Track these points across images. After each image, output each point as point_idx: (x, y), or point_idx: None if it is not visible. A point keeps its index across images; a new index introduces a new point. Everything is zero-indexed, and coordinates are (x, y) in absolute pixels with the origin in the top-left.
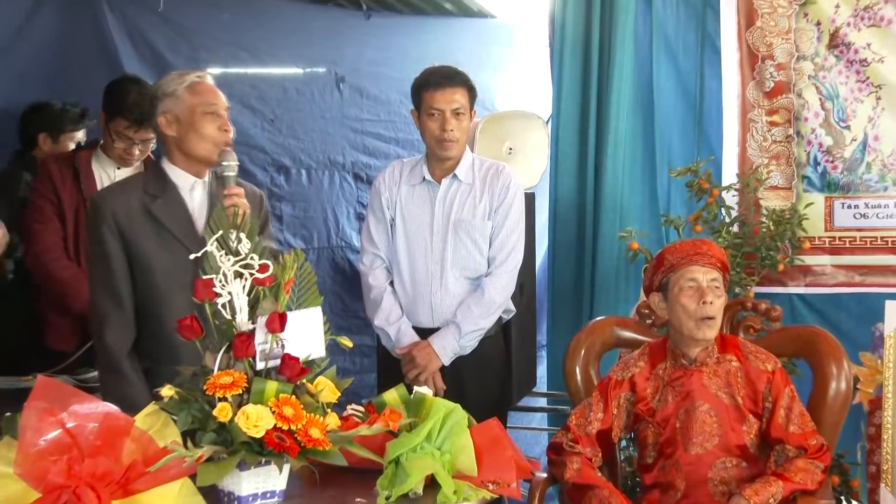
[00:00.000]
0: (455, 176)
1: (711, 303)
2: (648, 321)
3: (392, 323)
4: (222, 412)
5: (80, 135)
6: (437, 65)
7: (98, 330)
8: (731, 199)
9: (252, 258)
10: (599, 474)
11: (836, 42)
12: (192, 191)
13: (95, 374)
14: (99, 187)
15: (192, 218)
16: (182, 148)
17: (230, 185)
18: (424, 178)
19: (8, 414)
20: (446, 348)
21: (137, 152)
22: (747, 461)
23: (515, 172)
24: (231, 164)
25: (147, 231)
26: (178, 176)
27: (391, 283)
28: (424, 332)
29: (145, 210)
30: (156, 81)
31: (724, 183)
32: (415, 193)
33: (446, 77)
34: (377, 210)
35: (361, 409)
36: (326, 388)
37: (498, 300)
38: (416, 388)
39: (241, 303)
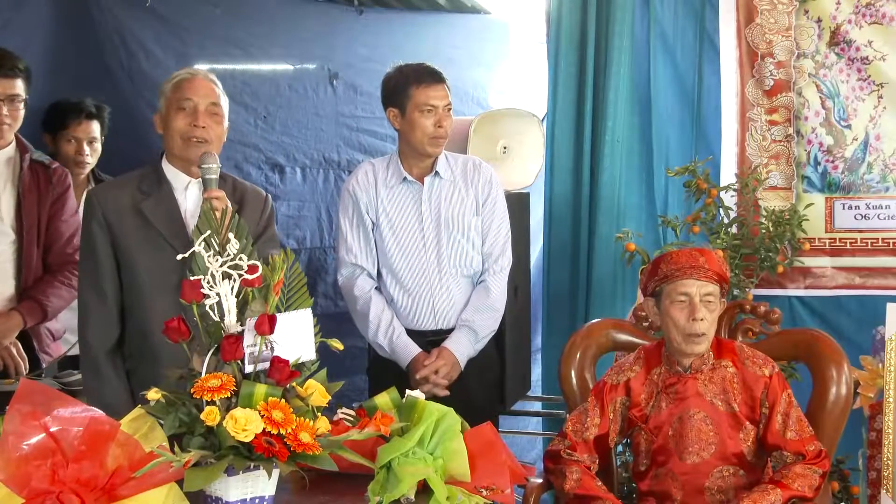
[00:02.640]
0: (437, 173)
1: (702, 319)
2: (645, 324)
3: (384, 335)
4: (210, 416)
5: None
6: (411, 62)
7: (81, 325)
8: (729, 199)
9: (241, 259)
10: (600, 483)
11: (836, 39)
12: (187, 190)
13: (79, 377)
14: None
15: (182, 218)
16: (165, 145)
17: (210, 188)
18: (405, 178)
19: None
20: (464, 354)
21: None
22: (745, 469)
23: (501, 170)
24: (211, 167)
25: (135, 229)
26: (174, 175)
27: (377, 290)
28: (426, 335)
29: (135, 207)
30: None
31: (723, 183)
32: (396, 194)
33: (435, 74)
34: (353, 216)
35: (352, 413)
36: (317, 392)
37: (503, 300)
38: (408, 392)
39: (230, 304)
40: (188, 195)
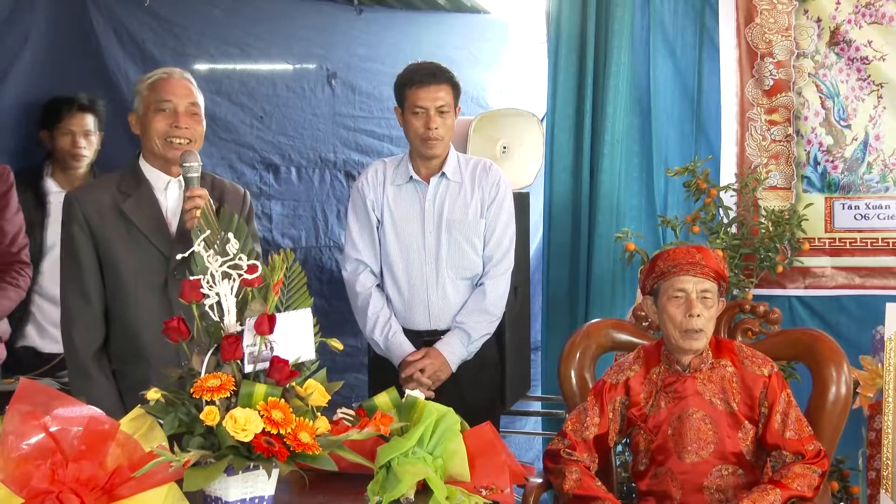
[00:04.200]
0: (444, 174)
1: (699, 315)
2: (645, 323)
3: (381, 332)
4: (210, 416)
5: None
6: (420, 61)
7: (66, 329)
8: (729, 199)
9: (240, 259)
10: (599, 483)
11: (836, 39)
12: (167, 189)
13: None
14: None
15: (164, 217)
16: (143, 145)
17: (192, 187)
18: (412, 178)
19: None
20: (456, 355)
21: None
22: (743, 468)
23: (502, 170)
24: (192, 165)
25: (117, 230)
26: (152, 174)
27: (378, 287)
28: (420, 335)
29: (116, 208)
30: None
31: (723, 183)
32: (402, 193)
33: (430, 74)
34: (361, 213)
35: (352, 412)
36: (316, 392)
37: (501, 304)
38: (407, 392)
39: (229, 304)
40: (168, 194)
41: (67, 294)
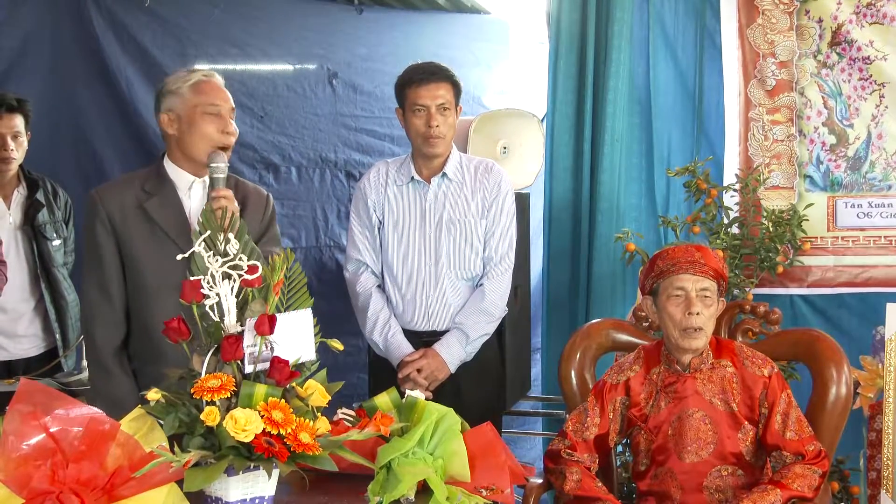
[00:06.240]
0: (444, 174)
1: (698, 314)
2: (645, 324)
3: (380, 333)
4: (210, 416)
5: None
6: (420, 61)
7: (88, 325)
8: (730, 199)
9: (240, 259)
10: (600, 484)
11: (838, 39)
12: (191, 190)
13: (79, 377)
14: None
15: (186, 218)
16: (181, 147)
17: (218, 187)
18: (413, 178)
19: None
20: (454, 356)
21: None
22: (743, 469)
23: (504, 170)
24: (220, 166)
25: (140, 229)
26: (177, 174)
27: (378, 287)
28: (419, 335)
29: (140, 207)
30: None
31: (726, 183)
32: (403, 194)
33: (429, 73)
34: (362, 214)
35: (352, 413)
36: (317, 392)
37: (500, 304)
38: (408, 392)
39: (230, 304)
40: (192, 195)
41: (89, 290)
